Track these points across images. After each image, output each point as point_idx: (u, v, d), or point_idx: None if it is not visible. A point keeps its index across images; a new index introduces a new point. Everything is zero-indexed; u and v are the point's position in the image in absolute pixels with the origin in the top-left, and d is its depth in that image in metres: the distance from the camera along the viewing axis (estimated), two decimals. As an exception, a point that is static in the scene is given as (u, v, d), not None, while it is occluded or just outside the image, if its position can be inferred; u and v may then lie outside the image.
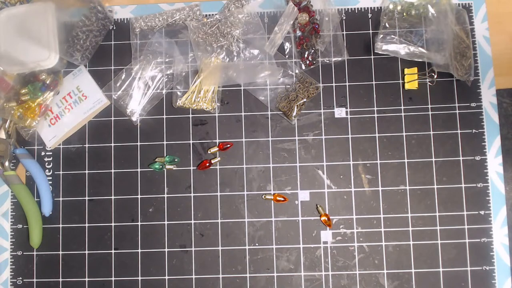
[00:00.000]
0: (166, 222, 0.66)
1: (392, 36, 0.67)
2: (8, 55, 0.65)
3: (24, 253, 0.67)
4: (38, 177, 0.66)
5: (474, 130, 0.66)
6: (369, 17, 0.69)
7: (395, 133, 0.67)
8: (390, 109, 0.67)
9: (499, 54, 0.68)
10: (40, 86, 0.66)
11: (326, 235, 0.65)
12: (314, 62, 0.68)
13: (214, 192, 0.67)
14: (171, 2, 0.71)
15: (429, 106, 0.67)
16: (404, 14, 0.68)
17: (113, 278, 0.65)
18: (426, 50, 0.66)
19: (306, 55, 0.67)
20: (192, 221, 0.66)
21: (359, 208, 0.66)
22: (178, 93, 0.68)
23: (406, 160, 0.66)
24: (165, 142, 0.68)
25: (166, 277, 0.65)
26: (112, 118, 0.69)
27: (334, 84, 0.68)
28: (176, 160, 0.67)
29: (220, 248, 0.66)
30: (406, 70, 0.67)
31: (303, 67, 0.68)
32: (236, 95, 0.69)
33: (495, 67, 0.67)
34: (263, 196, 0.66)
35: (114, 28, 0.70)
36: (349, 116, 0.67)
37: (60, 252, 0.66)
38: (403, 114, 0.67)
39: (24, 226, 0.67)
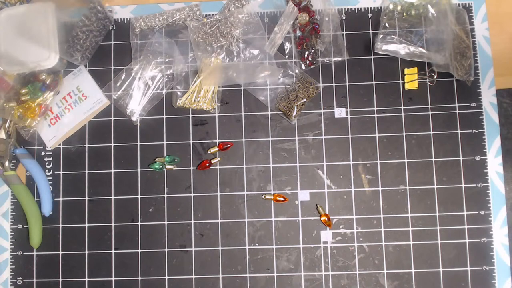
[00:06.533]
0: (166, 222, 0.66)
1: (392, 36, 0.67)
2: (8, 55, 0.65)
3: (24, 253, 0.67)
4: (38, 177, 0.66)
5: (474, 130, 0.66)
6: (369, 17, 0.69)
7: (395, 133, 0.67)
8: (390, 109, 0.67)
9: (499, 54, 0.68)
10: (40, 86, 0.66)
11: (326, 235, 0.65)
12: (314, 62, 0.68)
13: (214, 192, 0.67)
14: (171, 2, 0.71)
15: (429, 106, 0.67)
16: (404, 14, 0.68)
17: (113, 278, 0.65)
18: (426, 50, 0.66)
19: (306, 55, 0.67)
20: (192, 221, 0.66)
21: (359, 208, 0.66)
22: (178, 93, 0.68)
23: (406, 160, 0.66)
24: (165, 142, 0.68)
25: (166, 277, 0.65)
26: (112, 118, 0.69)
27: (334, 84, 0.68)
28: (176, 160, 0.67)
29: (220, 248, 0.66)
30: (406, 70, 0.67)
31: (303, 67, 0.68)
32: (236, 95, 0.69)
33: (495, 67, 0.67)
34: (263, 196, 0.66)
35: (114, 28, 0.70)
36: (349, 116, 0.67)
37: (60, 252, 0.66)
38: (403, 114, 0.67)
39: (24, 226, 0.67)
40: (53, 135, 0.68)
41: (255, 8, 0.70)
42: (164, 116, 0.68)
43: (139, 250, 0.66)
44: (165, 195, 0.67)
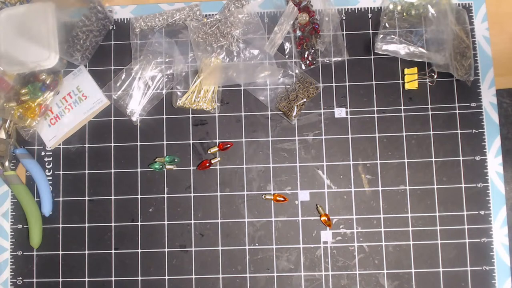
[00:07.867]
0: (166, 222, 0.66)
1: (392, 36, 0.67)
2: (8, 55, 0.65)
3: (24, 253, 0.67)
4: (38, 177, 0.66)
5: (474, 130, 0.66)
6: (369, 17, 0.69)
7: (395, 133, 0.67)
8: (390, 109, 0.67)
9: (499, 54, 0.68)
10: (40, 86, 0.66)
11: (326, 235, 0.65)
12: (314, 62, 0.68)
13: (214, 192, 0.67)
14: (171, 2, 0.71)
15: (429, 106, 0.67)
16: (404, 14, 0.68)
17: (113, 278, 0.65)
18: (426, 50, 0.66)
19: (306, 55, 0.67)
20: (192, 221, 0.66)
21: (359, 208, 0.66)
22: (178, 93, 0.68)
23: (406, 160, 0.66)
24: (165, 142, 0.68)
25: (166, 277, 0.65)
26: (112, 118, 0.69)
27: (334, 84, 0.68)
28: (176, 160, 0.67)
29: (220, 248, 0.66)
30: (406, 70, 0.67)
31: (303, 67, 0.68)
32: (236, 95, 0.69)
33: (495, 67, 0.67)
34: (263, 196, 0.66)
35: (114, 28, 0.70)
36: (349, 116, 0.67)
37: (60, 252, 0.66)
38: (403, 114, 0.67)
39: (24, 226, 0.67)
40: (53, 135, 0.68)
41: (255, 8, 0.70)
42: (164, 116, 0.68)
43: (139, 250, 0.66)
44: (165, 195, 0.67)
